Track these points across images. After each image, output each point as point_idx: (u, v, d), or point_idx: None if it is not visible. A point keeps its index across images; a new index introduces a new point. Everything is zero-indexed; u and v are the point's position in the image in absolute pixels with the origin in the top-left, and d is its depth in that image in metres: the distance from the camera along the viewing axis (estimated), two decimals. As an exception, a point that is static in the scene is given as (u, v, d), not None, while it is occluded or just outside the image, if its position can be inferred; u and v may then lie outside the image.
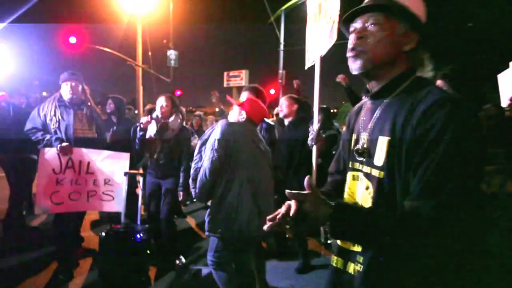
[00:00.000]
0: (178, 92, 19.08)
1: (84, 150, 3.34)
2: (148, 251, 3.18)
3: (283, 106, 3.64)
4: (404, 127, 0.96)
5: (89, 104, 3.50)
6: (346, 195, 1.15)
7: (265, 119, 3.41)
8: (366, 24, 1.06)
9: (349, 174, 1.14)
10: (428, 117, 0.91)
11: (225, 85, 20.11)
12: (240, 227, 2.38)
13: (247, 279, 2.56)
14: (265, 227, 0.97)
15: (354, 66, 1.07)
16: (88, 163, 3.36)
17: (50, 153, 3.23)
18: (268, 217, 0.98)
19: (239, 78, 19.96)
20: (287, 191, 0.96)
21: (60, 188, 3.26)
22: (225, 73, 20.38)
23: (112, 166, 3.45)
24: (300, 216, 0.93)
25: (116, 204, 3.45)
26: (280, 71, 14.29)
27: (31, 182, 4.39)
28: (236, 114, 2.59)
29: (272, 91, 19.23)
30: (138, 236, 3.07)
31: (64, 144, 3.19)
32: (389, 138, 0.99)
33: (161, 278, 3.30)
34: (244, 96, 2.93)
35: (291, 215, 0.93)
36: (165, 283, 3.23)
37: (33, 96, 5.08)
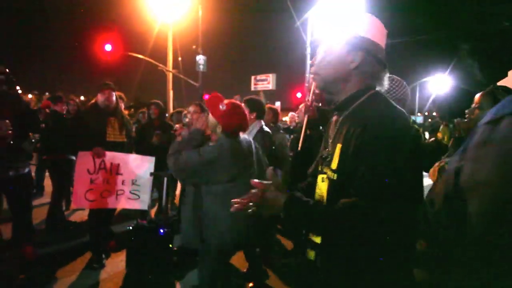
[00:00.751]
0: (207, 96, 19.59)
1: (114, 153, 3.71)
2: (170, 245, 3.52)
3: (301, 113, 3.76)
4: (352, 136, 1.15)
5: (120, 111, 3.86)
6: (316, 195, 1.32)
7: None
8: (318, 50, 1.30)
9: (319, 177, 1.32)
10: (367, 132, 1.10)
11: (252, 88, 20.29)
12: (218, 238, 2.29)
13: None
14: (231, 209, 1.18)
15: (315, 85, 1.32)
16: (118, 164, 3.73)
17: (86, 156, 3.64)
18: (234, 200, 1.19)
19: (267, 82, 20.09)
20: (252, 180, 1.17)
21: (94, 186, 3.64)
22: (253, 77, 20.58)
23: (138, 168, 3.80)
24: (261, 202, 1.15)
25: (141, 203, 3.79)
26: (307, 75, 14.26)
27: (71, 181, 4.89)
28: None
29: (299, 95, 19.32)
30: (161, 230, 3.40)
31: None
32: (341, 145, 1.19)
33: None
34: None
35: (254, 201, 1.15)
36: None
37: (72, 102, 5.56)
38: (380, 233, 1.06)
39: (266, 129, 3.45)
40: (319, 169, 1.33)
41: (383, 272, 1.10)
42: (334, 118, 1.36)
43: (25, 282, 3.05)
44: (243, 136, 2.49)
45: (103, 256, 3.70)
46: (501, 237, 0.51)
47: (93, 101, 3.81)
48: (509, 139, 0.54)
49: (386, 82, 1.29)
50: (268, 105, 4.61)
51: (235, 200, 1.20)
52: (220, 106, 2.32)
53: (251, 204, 1.17)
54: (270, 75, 20.13)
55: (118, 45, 14.68)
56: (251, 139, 2.72)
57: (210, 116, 2.38)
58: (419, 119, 29.44)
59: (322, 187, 1.29)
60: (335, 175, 1.20)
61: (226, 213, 2.15)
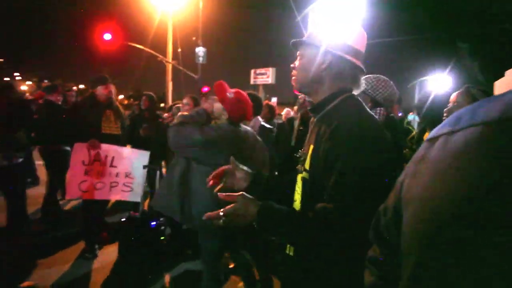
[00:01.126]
0: (206, 89, 19.44)
1: (109, 145, 3.76)
2: (162, 237, 3.59)
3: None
4: (321, 138, 1.19)
5: (115, 104, 3.89)
6: (295, 193, 1.37)
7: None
8: (297, 53, 1.36)
9: (298, 175, 1.36)
10: (334, 136, 1.13)
11: (251, 82, 20.19)
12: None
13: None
14: (203, 217, 1.19)
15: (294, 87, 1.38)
16: (113, 157, 3.77)
17: (81, 147, 3.68)
18: (206, 214, 1.19)
19: (266, 75, 19.95)
20: (218, 194, 1.21)
21: (88, 178, 3.68)
22: (252, 71, 20.45)
23: (132, 161, 3.85)
24: (231, 213, 1.14)
25: (134, 195, 3.83)
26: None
27: (65, 171, 4.92)
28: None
29: (298, 90, 19.28)
30: (153, 223, 3.47)
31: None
32: (313, 146, 1.24)
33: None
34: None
35: (222, 213, 1.15)
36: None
37: (70, 93, 5.57)
38: (350, 238, 1.08)
39: (267, 125, 3.54)
40: (299, 168, 1.37)
41: (352, 270, 1.11)
42: (312, 119, 1.41)
43: (18, 270, 3.11)
44: (245, 127, 2.53)
45: (96, 246, 3.76)
46: (421, 254, 0.56)
47: (89, 92, 3.84)
48: (441, 157, 0.57)
49: (362, 85, 1.33)
50: (265, 102, 4.64)
51: (207, 214, 1.19)
52: (228, 94, 2.37)
53: (222, 215, 1.16)
54: (270, 69, 19.97)
55: (118, 35, 14.58)
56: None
57: (216, 103, 2.42)
58: (417, 118, 29.35)
59: (299, 185, 1.34)
60: (308, 174, 1.25)
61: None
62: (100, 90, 3.71)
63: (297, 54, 1.36)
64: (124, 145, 4.00)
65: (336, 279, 1.20)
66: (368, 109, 1.25)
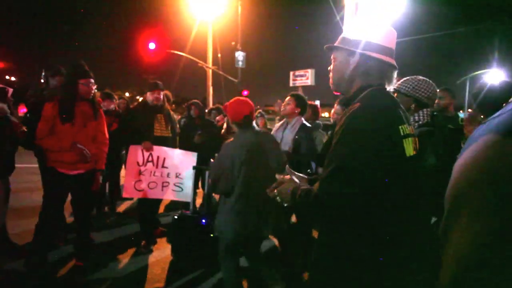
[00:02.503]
0: (245, 92, 19.79)
1: (161, 147, 3.99)
2: (212, 235, 3.74)
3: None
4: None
5: (166, 108, 4.12)
6: None
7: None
8: (331, 59, 1.50)
9: None
10: (344, 121, 1.27)
11: (291, 84, 20.11)
12: (237, 228, 2.52)
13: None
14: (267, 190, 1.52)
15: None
16: (164, 158, 4.01)
17: (136, 149, 3.95)
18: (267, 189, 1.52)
19: (305, 77, 19.79)
20: (277, 175, 1.51)
21: (142, 178, 3.94)
22: (291, 73, 20.41)
23: (182, 163, 4.05)
24: (277, 191, 1.45)
25: (184, 195, 4.04)
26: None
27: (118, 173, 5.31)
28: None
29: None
30: (203, 221, 3.63)
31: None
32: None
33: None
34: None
35: (273, 189, 1.48)
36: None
37: (122, 101, 5.95)
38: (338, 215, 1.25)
39: (308, 124, 3.59)
40: None
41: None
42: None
43: (82, 266, 3.38)
44: (258, 129, 2.71)
45: (151, 242, 4.00)
46: None
47: (142, 99, 4.11)
48: None
49: (393, 79, 1.41)
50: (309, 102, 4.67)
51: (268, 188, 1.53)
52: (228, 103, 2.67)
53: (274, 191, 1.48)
54: (309, 70, 19.77)
55: (162, 44, 15.27)
56: (292, 133, 2.96)
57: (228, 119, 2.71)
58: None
59: None
60: None
61: (227, 207, 2.53)
62: (148, 96, 3.98)
63: (331, 57, 1.49)
64: (174, 146, 4.22)
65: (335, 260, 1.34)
66: (386, 100, 1.34)
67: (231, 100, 2.67)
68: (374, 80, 1.38)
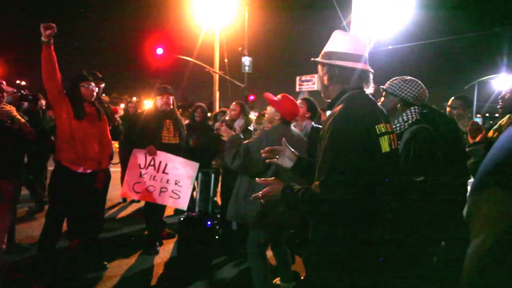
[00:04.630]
0: (252, 97, 19.90)
1: (164, 153, 3.98)
2: (217, 236, 3.81)
3: None
4: (324, 128, 1.46)
5: (175, 114, 4.12)
6: None
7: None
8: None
9: None
10: (327, 126, 1.41)
11: (297, 89, 20.10)
12: (281, 218, 2.68)
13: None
14: (251, 197, 1.66)
15: None
16: (166, 164, 4.00)
17: (140, 152, 3.96)
18: (253, 195, 1.63)
19: (312, 82, 19.77)
20: (257, 179, 1.64)
21: (141, 180, 3.93)
22: (297, 78, 20.45)
23: (183, 171, 4.05)
24: (266, 193, 1.55)
25: (181, 203, 4.02)
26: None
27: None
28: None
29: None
30: (208, 222, 3.70)
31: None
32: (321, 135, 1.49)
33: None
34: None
35: (260, 194, 1.57)
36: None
37: (131, 105, 6.10)
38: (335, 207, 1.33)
39: (320, 126, 3.68)
40: None
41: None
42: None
43: (88, 263, 3.46)
44: (293, 129, 2.92)
45: (157, 243, 4.08)
46: None
47: (149, 103, 4.17)
48: None
49: (370, 82, 1.57)
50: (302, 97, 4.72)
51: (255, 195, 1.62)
52: (276, 98, 2.80)
53: (261, 195, 1.58)
54: (315, 75, 19.75)
55: (169, 49, 15.44)
56: (303, 135, 3.20)
57: (269, 109, 2.85)
58: (478, 121, 27.35)
59: None
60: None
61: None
62: (157, 100, 3.99)
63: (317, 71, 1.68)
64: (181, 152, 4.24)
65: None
66: (361, 102, 1.49)
67: (286, 97, 2.83)
68: (350, 85, 1.54)
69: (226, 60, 17.98)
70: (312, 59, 1.66)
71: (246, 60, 18.48)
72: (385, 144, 1.40)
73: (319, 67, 1.64)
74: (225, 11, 16.42)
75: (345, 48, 1.54)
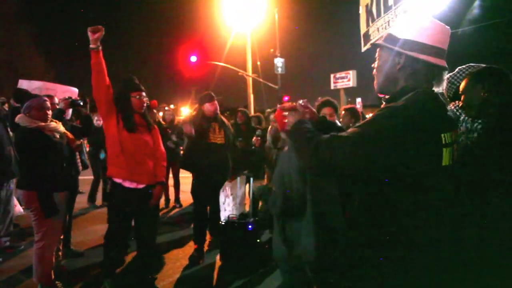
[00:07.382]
0: (286, 98, 19.76)
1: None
2: (258, 240, 3.84)
3: None
4: None
5: (220, 117, 4.26)
6: None
7: None
8: (376, 55, 1.42)
9: None
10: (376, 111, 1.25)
11: (332, 87, 19.66)
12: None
13: None
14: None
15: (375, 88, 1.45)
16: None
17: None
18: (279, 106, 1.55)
19: (347, 79, 19.11)
20: (279, 106, 1.54)
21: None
22: (332, 75, 19.99)
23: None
24: (289, 112, 1.45)
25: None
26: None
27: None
28: None
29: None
30: (250, 226, 3.73)
31: None
32: None
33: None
34: None
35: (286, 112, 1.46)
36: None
37: (168, 112, 6.33)
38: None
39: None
40: None
41: None
42: None
43: (140, 265, 3.61)
44: None
45: (202, 247, 4.12)
46: None
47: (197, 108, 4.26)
48: None
49: (443, 82, 1.32)
50: (345, 106, 4.55)
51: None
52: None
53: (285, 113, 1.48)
54: (350, 71, 19.17)
55: (203, 56, 15.76)
56: None
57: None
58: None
59: None
60: None
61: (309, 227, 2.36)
62: (207, 107, 4.11)
63: (376, 55, 1.42)
64: (230, 154, 4.33)
65: None
66: (431, 105, 1.23)
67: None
68: (421, 83, 1.28)
69: (258, 63, 18.07)
70: (385, 43, 1.35)
71: (279, 61, 18.44)
72: (447, 157, 1.22)
73: (385, 53, 1.36)
74: (254, 14, 16.50)
75: (429, 39, 1.26)
